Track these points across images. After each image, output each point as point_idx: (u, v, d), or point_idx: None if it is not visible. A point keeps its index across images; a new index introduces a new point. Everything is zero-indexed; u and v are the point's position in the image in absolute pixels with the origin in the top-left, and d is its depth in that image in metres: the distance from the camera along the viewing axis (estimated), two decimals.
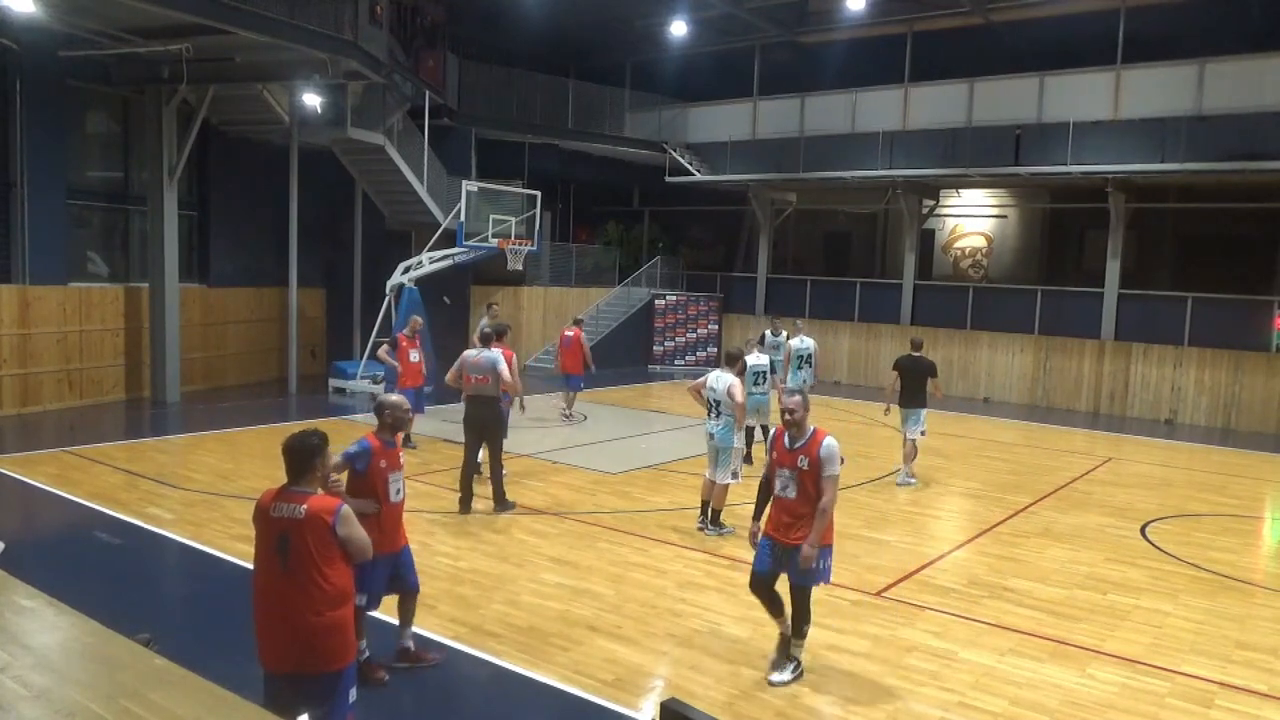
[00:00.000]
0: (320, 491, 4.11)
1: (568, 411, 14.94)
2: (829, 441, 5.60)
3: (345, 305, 19.54)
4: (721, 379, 8.81)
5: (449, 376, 9.71)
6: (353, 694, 4.10)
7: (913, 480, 11.39)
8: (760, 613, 6.84)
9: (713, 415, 8.89)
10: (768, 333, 14.22)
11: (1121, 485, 12.00)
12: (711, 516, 8.93)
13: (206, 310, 17.04)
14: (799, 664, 5.79)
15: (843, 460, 5.68)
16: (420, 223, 18.86)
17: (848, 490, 11.00)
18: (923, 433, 11.30)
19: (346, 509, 4.03)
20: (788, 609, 5.76)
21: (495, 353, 9.39)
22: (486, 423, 9.40)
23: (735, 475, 8.97)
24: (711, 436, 8.89)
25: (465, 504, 9.34)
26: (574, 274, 24.08)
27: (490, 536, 8.64)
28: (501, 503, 9.48)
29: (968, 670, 6.02)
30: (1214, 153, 16.77)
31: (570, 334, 14.93)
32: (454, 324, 19.93)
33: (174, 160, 15.01)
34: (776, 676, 5.68)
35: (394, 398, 5.85)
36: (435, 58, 19.02)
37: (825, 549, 5.65)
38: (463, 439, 9.48)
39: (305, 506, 3.94)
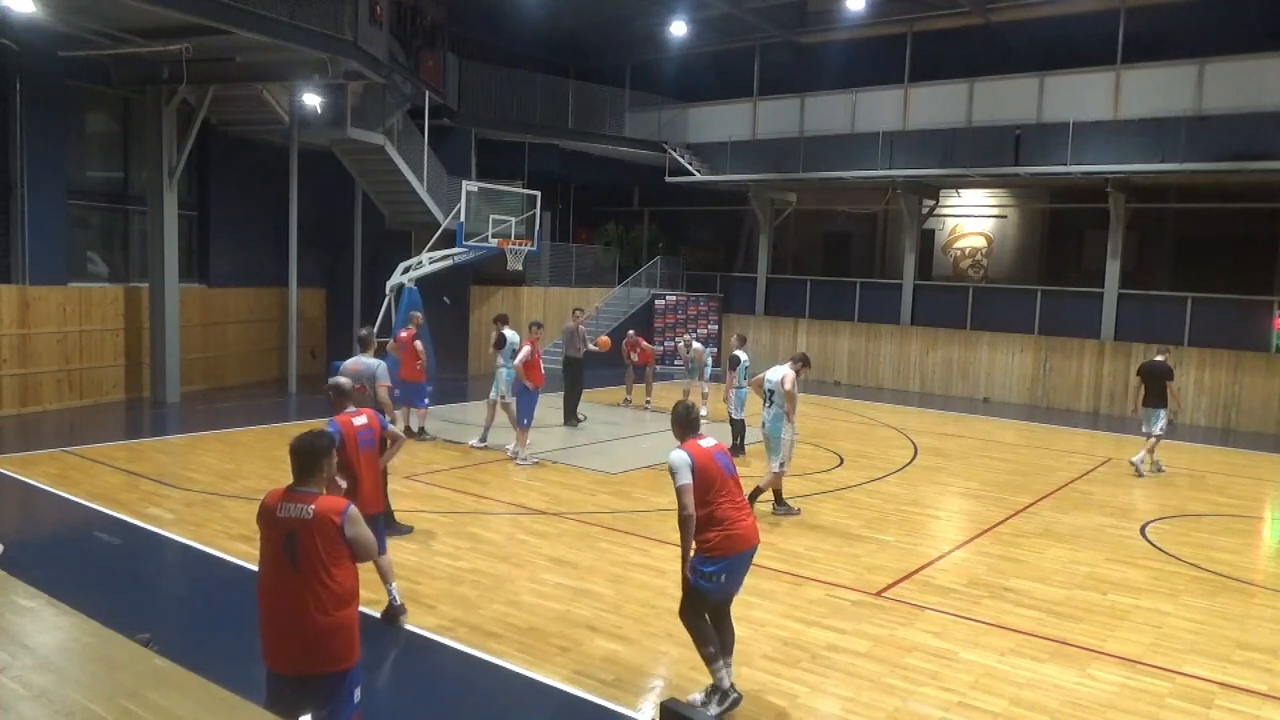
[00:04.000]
0: (325, 492, 4.11)
1: (648, 399, 16.96)
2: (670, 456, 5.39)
3: (345, 305, 19.54)
4: (779, 370, 9.48)
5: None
6: (358, 694, 4.10)
7: (1164, 469, 12.76)
8: (760, 612, 6.86)
9: (766, 405, 9.55)
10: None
11: (1121, 485, 12.00)
12: (775, 499, 9.59)
13: (206, 310, 17.04)
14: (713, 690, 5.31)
15: (694, 469, 5.31)
16: (420, 223, 18.86)
17: (848, 490, 11.03)
18: (1161, 429, 12.58)
19: (354, 509, 4.04)
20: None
21: (374, 361, 8.35)
22: None
23: (781, 465, 9.45)
24: (763, 425, 9.57)
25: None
26: (574, 274, 24.08)
27: (490, 536, 8.64)
28: (390, 525, 8.35)
29: (968, 670, 6.02)
30: (1214, 153, 16.77)
31: (639, 338, 17.31)
32: (454, 323, 19.96)
33: (174, 160, 15.01)
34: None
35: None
36: (435, 58, 19.01)
37: (696, 558, 5.31)
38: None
39: (313, 507, 3.94)
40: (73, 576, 7.06)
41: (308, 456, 4.08)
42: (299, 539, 3.92)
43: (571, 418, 14.70)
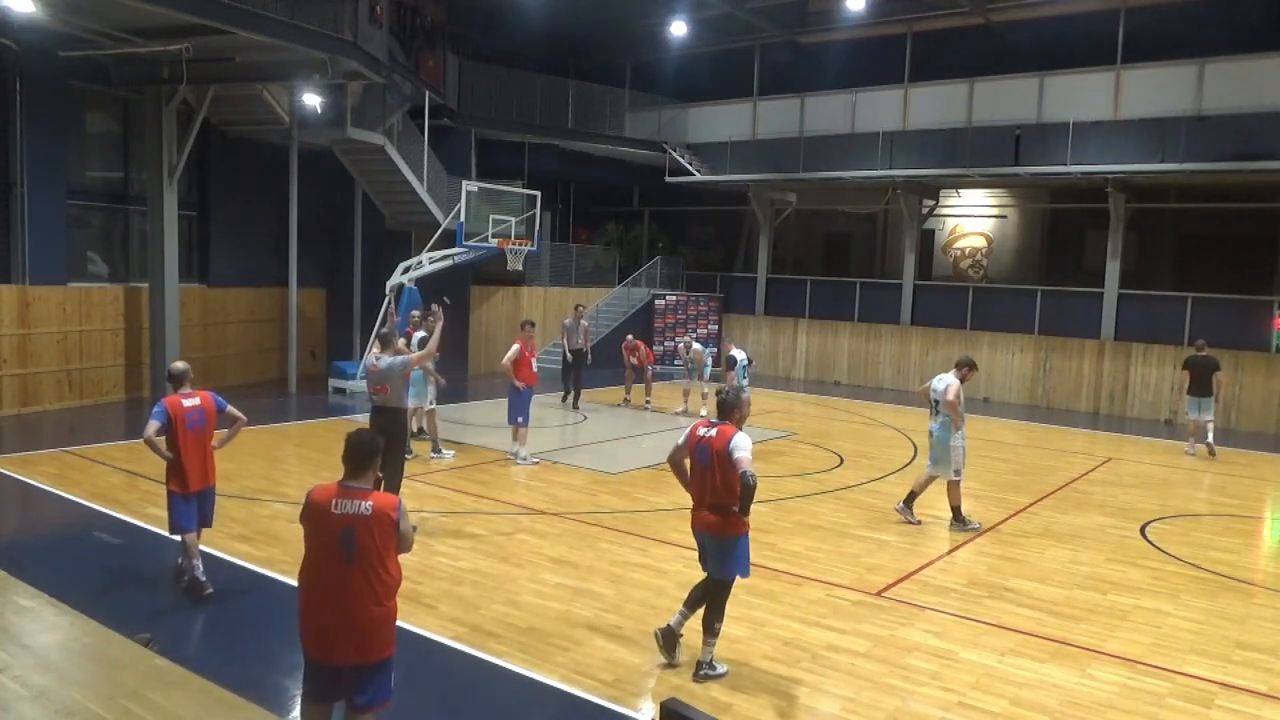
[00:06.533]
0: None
1: (648, 399, 17.01)
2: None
3: (345, 305, 19.53)
4: (943, 380, 9.41)
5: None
6: (392, 679, 4.20)
7: (1212, 453, 13.83)
8: (760, 613, 6.86)
9: (933, 414, 9.54)
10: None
11: (1121, 485, 11.99)
12: (954, 514, 9.51)
13: (206, 310, 17.03)
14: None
15: (684, 443, 5.93)
16: (420, 223, 18.86)
17: (848, 490, 11.01)
18: (1212, 416, 13.88)
19: (403, 504, 4.20)
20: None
21: (393, 360, 8.46)
22: (388, 436, 8.28)
23: (957, 473, 9.40)
24: (931, 434, 9.58)
25: None
26: (574, 274, 24.08)
27: (490, 536, 8.64)
28: None
29: (968, 670, 6.02)
30: (1214, 153, 16.77)
31: (639, 342, 17.39)
32: (454, 323, 19.94)
33: (174, 160, 15.00)
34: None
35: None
36: (435, 58, 19.01)
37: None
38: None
39: (371, 503, 4.04)
40: (73, 576, 7.07)
41: (362, 453, 4.16)
42: (357, 534, 3.99)
43: (570, 399, 14.74)
